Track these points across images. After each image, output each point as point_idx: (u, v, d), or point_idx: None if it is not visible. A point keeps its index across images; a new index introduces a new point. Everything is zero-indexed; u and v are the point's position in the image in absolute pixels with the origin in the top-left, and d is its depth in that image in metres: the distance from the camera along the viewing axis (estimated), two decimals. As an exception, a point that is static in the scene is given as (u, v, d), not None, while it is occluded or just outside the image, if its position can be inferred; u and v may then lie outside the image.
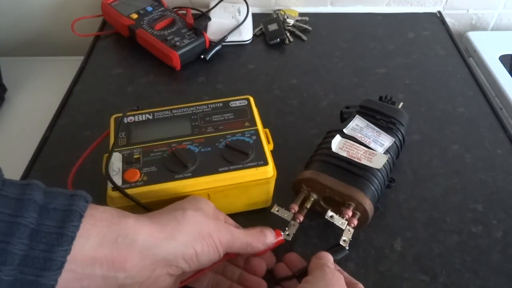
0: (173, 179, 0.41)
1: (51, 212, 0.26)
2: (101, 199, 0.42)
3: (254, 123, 0.46)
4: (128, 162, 0.42)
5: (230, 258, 0.41)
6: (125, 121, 0.46)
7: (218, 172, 0.42)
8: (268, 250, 0.41)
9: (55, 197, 0.27)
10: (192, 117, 0.47)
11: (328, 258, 0.38)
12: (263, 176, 0.43)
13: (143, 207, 0.40)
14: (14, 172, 0.52)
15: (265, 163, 0.43)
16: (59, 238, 0.26)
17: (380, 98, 0.53)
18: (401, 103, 0.54)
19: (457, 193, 0.51)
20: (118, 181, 0.41)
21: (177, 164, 0.42)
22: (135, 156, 0.43)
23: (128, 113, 0.47)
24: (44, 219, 0.26)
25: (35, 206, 0.26)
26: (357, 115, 0.50)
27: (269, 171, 0.43)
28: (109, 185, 0.41)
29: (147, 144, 0.44)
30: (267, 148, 0.45)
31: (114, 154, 0.43)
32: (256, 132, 0.45)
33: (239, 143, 0.44)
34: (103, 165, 0.42)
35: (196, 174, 0.42)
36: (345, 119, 0.51)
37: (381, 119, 0.50)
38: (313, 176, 0.44)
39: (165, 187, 0.41)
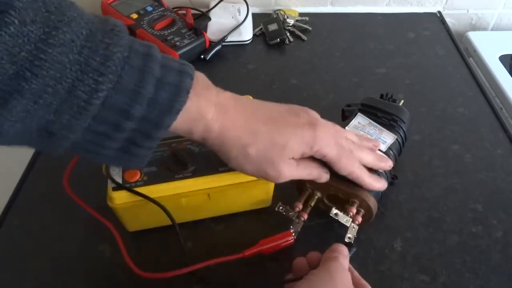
0: (173, 179, 0.41)
1: (165, 86, 0.30)
2: (100, 198, 0.42)
3: None
4: None
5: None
6: None
7: (218, 172, 0.42)
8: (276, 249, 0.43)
9: (169, 72, 0.30)
10: None
11: (341, 250, 0.38)
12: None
13: (155, 203, 0.40)
14: (14, 172, 0.52)
15: None
16: (169, 108, 0.30)
17: (382, 96, 0.53)
18: (402, 101, 0.54)
19: (457, 193, 0.51)
20: (118, 181, 0.41)
21: (177, 164, 0.42)
22: None
23: None
24: (159, 91, 0.30)
25: (153, 79, 0.29)
26: (359, 113, 0.50)
27: None
28: (109, 185, 0.41)
29: None
30: None
31: None
32: None
33: None
34: (103, 165, 0.42)
35: (196, 174, 0.42)
36: (347, 117, 0.51)
37: (383, 116, 0.50)
38: None
39: (165, 187, 0.41)
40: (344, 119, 0.52)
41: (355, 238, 0.42)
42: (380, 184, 0.43)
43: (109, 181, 0.41)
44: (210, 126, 0.34)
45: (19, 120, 0.25)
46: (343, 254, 0.38)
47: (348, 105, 0.53)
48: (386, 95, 0.53)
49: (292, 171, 0.38)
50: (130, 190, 0.40)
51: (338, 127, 0.42)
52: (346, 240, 0.42)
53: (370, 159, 0.43)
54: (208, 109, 0.33)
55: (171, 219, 0.40)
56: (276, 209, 0.45)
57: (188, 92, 0.31)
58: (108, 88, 0.27)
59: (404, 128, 0.50)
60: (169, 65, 0.31)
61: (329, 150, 0.38)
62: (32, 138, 0.28)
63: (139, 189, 0.40)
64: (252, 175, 0.38)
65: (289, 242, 0.43)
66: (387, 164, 0.44)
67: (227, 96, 0.35)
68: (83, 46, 0.26)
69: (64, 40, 0.25)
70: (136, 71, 0.28)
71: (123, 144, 0.31)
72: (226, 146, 0.35)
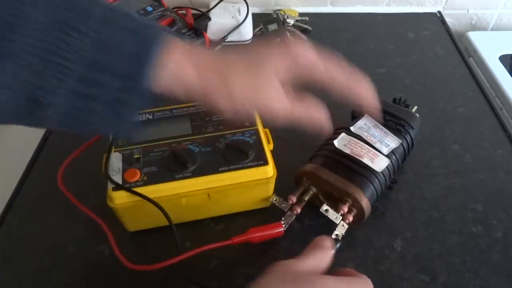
0: (173, 179, 0.41)
1: (145, 41, 0.30)
2: (97, 197, 0.42)
3: (254, 123, 0.46)
4: (128, 162, 0.42)
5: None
6: None
7: (218, 172, 0.42)
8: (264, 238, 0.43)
9: (148, 29, 0.31)
10: (192, 116, 0.47)
11: (326, 244, 0.36)
12: (263, 176, 0.43)
13: (153, 203, 0.40)
14: (14, 173, 0.52)
15: (265, 163, 0.43)
16: (148, 62, 0.30)
17: (394, 100, 0.53)
18: (415, 107, 0.54)
19: (457, 193, 0.51)
20: (118, 181, 0.41)
21: (177, 164, 0.42)
22: (135, 156, 0.43)
23: None
24: (139, 46, 0.30)
25: (132, 35, 0.29)
26: (366, 115, 0.50)
27: (269, 171, 0.43)
28: (109, 185, 0.41)
29: (147, 144, 0.44)
30: (267, 148, 0.45)
31: (114, 154, 0.43)
32: (256, 132, 0.45)
33: (239, 143, 0.44)
34: (103, 164, 0.42)
35: (196, 174, 0.42)
36: (356, 118, 0.51)
37: (391, 120, 0.49)
38: (313, 170, 0.44)
39: (165, 187, 0.41)
40: (353, 119, 0.52)
41: (351, 239, 0.42)
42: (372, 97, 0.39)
43: (109, 181, 0.41)
44: (192, 86, 0.33)
45: (8, 85, 0.26)
46: (328, 247, 0.35)
47: None
48: (400, 99, 0.53)
49: (283, 101, 0.36)
50: (129, 190, 0.40)
51: None
52: (333, 237, 0.42)
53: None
54: (188, 69, 0.33)
55: (168, 219, 0.40)
56: (270, 199, 0.45)
57: (165, 47, 0.31)
58: (88, 46, 0.27)
59: (411, 134, 0.49)
60: (148, 24, 0.31)
61: (313, 54, 0.36)
62: (21, 110, 0.28)
63: (139, 189, 0.40)
64: (247, 119, 0.37)
65: (278, 233, 0.43)
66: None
67: (206, 55, 0.34)
68: (61, 7, 0.26)
69: (42, 1, 0.26)
70: (115, 29, 0.29)
71: (110, 107, 0.30)
72: (212, 101, 0.34)
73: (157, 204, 0.40)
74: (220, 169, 0.42)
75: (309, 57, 0.36)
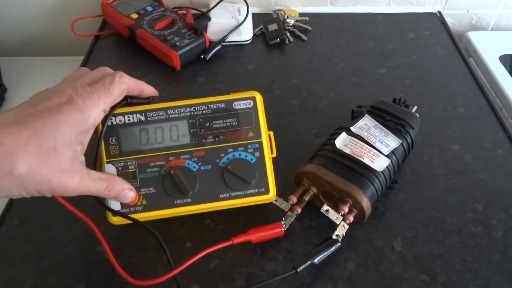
0: (173, 205, 0.41)
1: None
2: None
3: (258, 133, 0.44)
4: (124, 177, 0.40)
5: None
6: (114, 123, 0.42)
7: (218, 199, 0.42)
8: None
9: None
10: (190, 121, 0.43)
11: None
12: (263, 201, 0.44)
13: (149, 229, 0.40)
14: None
15: (266, 191, 0.43)
16: None
17: (394, 100, 0.53)
18: (415, 107, 0.54)
19: (457, 193, 0.51)
20: (117, 204, 0.41)
21: (176, 189, 0.41)
22: (130, 170, 0.41)
23: (116, 111, 0.41)
24: None
25: None
26: (366, 115, 0.50)
27: (270, 197, 0.43)
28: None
29: (142, 155, 0.42)
30: (270, 166, 0.44)
31: (108, 166, 0.41)
32: (260, 146, 0.43)
33: (241, 167, 0.43)
34: None
35: (196, 200, 0.41)
36: (356, 118, 0.51)
37: (391, 120, 0.49)
38: (313, 170, 0.44)
39: (165, 213, 0.41)
40: (353, 119, 0.52)
41: (351, 239, 0.42)
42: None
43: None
44: None
45: None
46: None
47: (359, 106, 0.53)
48: (400, 99, 0.53)
49: (80, 179, 0.34)
50: (128, 218, 0.40)
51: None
52: (334, 237, 0.42)
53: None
54: None
55: (163, 246, 0.40)
56: (270, 200, 0.45)
57: None
58: None
59: (412, 134, 0.49)
60: None
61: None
62: None
63: (139, 215, 0.41)
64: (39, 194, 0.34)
65: (278, 233, 0.43)
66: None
67: None
68: None
69: None
70: None
71: None
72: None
73: (155, 234, 0.40)
74: (220, 196, 0.42)
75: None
